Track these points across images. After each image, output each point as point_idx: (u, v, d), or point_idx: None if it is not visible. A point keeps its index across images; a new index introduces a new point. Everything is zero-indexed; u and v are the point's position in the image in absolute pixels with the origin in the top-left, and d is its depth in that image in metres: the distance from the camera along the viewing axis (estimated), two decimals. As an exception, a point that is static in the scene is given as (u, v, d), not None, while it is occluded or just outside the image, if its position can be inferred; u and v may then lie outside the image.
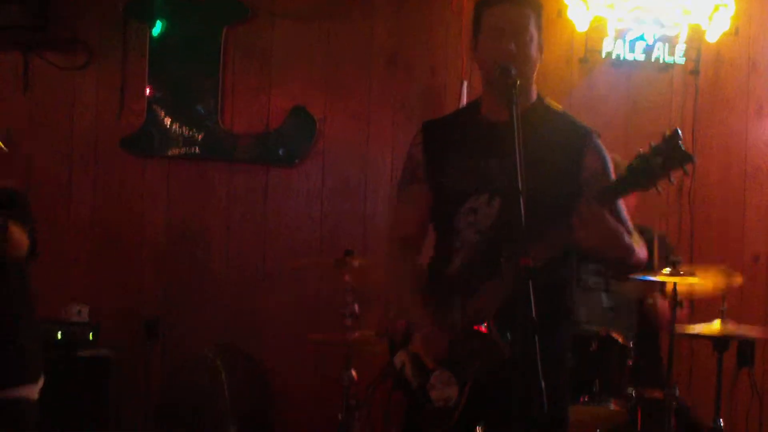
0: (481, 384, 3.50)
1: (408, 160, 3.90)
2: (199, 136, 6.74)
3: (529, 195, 3.23)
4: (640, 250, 3.72)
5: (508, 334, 3.42)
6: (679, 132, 3.20)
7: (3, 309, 4.12)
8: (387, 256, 4.06)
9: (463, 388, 3.51)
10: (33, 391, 4.20)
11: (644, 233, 5.05)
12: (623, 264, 3.77)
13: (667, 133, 3.23)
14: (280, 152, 6.75)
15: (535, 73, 3.66)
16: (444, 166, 3.75)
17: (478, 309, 3.51)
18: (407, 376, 3.66)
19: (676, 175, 3.24)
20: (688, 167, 3.23)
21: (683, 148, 3.20)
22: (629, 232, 3.66)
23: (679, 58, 6.46)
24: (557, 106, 3.78)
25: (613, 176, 3.65)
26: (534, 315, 3.05)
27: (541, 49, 3.66)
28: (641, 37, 6.44)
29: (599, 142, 3.72)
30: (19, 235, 4.03)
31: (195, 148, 6.74)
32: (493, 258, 3.49)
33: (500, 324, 3.44)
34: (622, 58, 6.49)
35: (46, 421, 4.37)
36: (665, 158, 3.20)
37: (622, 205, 3.66)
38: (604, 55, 6.49)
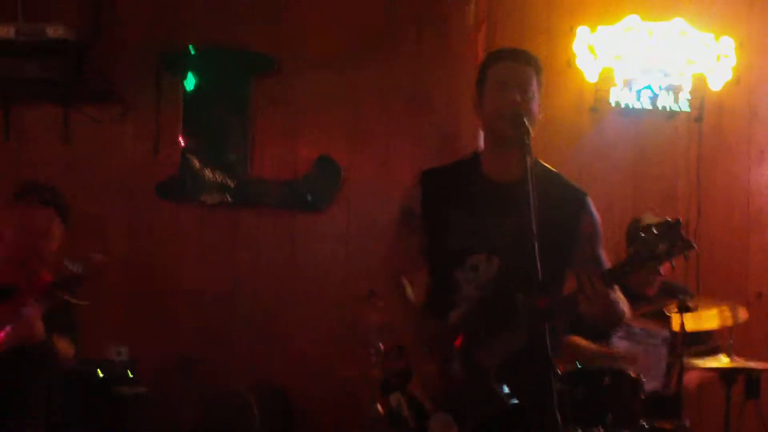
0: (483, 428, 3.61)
1: (404, 209, 4.01)
2: (230, 183, 6.94)
3: (525, 255, 3.39)
4: (626, 308, 3.82)
5: (506, 387, 3.55)
6: (681, 221, 3.35)
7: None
8: (387, 290, 4.13)
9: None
10: None
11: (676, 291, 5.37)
12: (611, 323, 4.03)
13: (670, 220, 3.38)
14: (309, 198, 6.95)
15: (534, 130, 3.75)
16: (444, 222, 3.82)
17: (480, 360, 3.61)
18: (404, 417, 3.77)
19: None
20: (689, 253, 3.38)
21: (684, 237, 3.34)
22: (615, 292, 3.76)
23: (683, 107, 6.65)
24: (552, 168, 3.89)
25: (601, 236, 3.85)
26: (550, 357, 3.28)
27: (539, 107, 3.76)
28: (648, 87, 6.62)
29: (592, 204, 3.88)
30: (63, 348, 4.37)
31: (226, 195, 6.95)
32: (494, 314, 3.63)
33: (500, 376, 3.57)
34: (629, 106, 6.66)
35: None
36: (669, 246, 3.34)
37: (604, 257, 3.85)
38: (612, 104, 6.66)
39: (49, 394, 4.54)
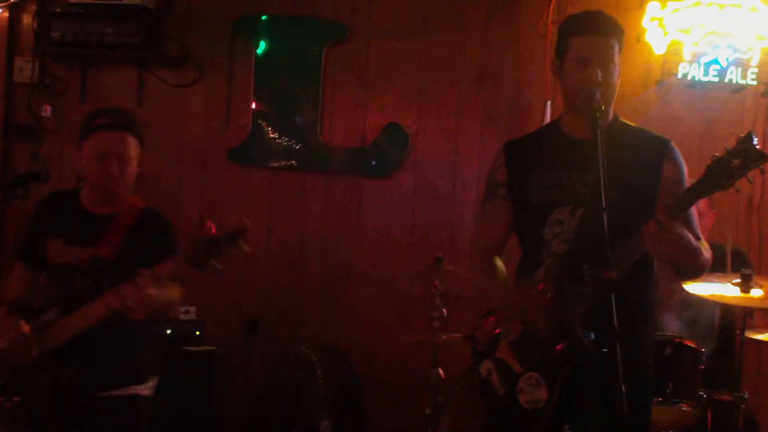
0: (569, 386, 3.64)
1: (490, 179, 4.09)
2: (300, 148, 7.04)
3: (612, 207, 3.41)
4: (707, 254, 3.81)
5: (593, 335, 3.53)
6: (753, 134, 3.31)
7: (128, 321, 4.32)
8: (472, 267, 4.27)
9: (553, 389, 3.65)
10: (145, 389, 4.48)
11: (716, 250, 5.35)
12: (691, 268, 3.89)
13: (741, 135, 3.34)
14: (374, 164, 7.02)
15: (614, 97, 3.84)
16: (527, 182, 3.90)
17: (565, 314, 3.65)
18: (493, 384, 3.82)
19: (745, 189, 3.43)
20: (765, 167, 3.31)
21: (758, 148, 3.28)
22: (698, 238, 3.79)
23: (751, 81, 6.61)
24: (632, 123, 3.96)
25: (687, 184, 3.76)
26: (616, 325, 3.24)
27: (619, 74, 3.83)
28: (715, 61, 6.58)
29: (677, 151, 3.89)
30: (173, 297, 4.37)
31: (295, 160, 7.05)
32: (576, 266, 3.64)
33: (586, 327, 3.58)
34: (696, 80, 6.64)
35: (156, 408, 4.75)
36: (743, 159, 3.28)
37: (694, 211, 3.80)
38: (680, 77, 6.66)
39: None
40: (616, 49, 3.81)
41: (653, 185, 3.79)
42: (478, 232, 4.26)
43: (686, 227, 3.67)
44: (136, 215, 4.45)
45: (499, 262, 4.15)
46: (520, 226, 4.02)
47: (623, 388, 3.23)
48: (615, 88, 3.82)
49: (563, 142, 3.91)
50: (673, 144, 3.90)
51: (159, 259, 4.15)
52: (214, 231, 4.01)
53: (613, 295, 3.30)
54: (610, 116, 3.90)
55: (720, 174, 3.34)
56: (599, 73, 3.73)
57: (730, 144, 3.27)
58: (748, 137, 3.31)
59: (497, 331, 3.88)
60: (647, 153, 3.84)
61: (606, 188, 3.41)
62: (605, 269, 3.34)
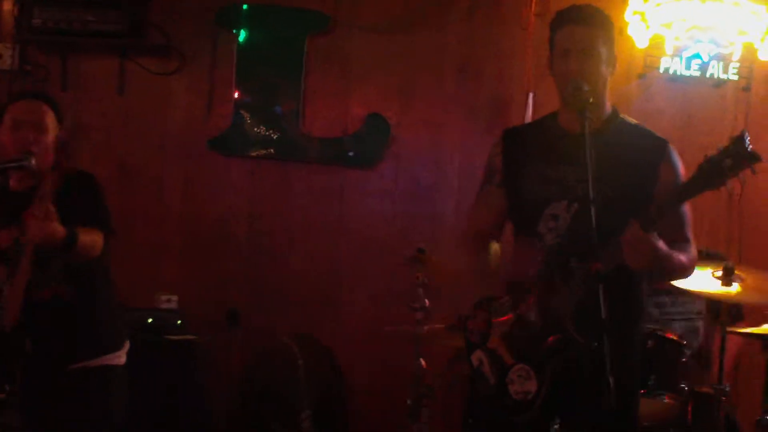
0: (559, 379, 3.61)
1: (487, 166, 4.05)
2: (282, 139, 7.04)
3: (605, 203, 3.43)
4: (688, 259, 3.76)
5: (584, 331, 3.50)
6: (746, 134, 3.23)
7: (98, 290, 4.43)
8: (463, 248, 4.22)
9: (543, 381, 3.62)
10: (119, 357, 4.50)
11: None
12: (665, 277, 3.99)
13: (735, 135, 3.26)
14: (355, 154, 7.04)
15: (607, 88, 3.83)
16: (523, 173, 3.87)
17: (557, 307, 3.62)
18: (485, 374, 3.81)
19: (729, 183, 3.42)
20: (756, 167, 3.22)
21: (750, 149, 3.20)
22: (685, 240, 3.78)
23: (732, 75, 6.68)
24: (631, 119, 3.93)
25: None
26: (604, 316, 3.26)
27: (612, 64, 3.83)
28: (697, 55, 6.64)
29: (676, 153, 3.84)
30: (90, 241, 4.28)
31: (277, 150, 7.06)
32: (567, 261, 3.64)
33: (577, 322, 3.55)
34: (678, 74, 6.70)
35: (137, 396, 4.75)
36: (735, 159, 3.20)
37: (687, 212, 3.80)
38: (661, 71, 6.71)
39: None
40: (601, 39, 3.80)
41: (649, 185, 3.75)
42: (473, 217, 4.22)
43: (676, 228, 3.71)
44: (58, 181, 4.38)
45: (494, 246, 4.12)
46: (513, 216, 4.01)
47: (611, 381, 3.24)
48: (602, 78, 3.80)
49: (560, 136, 3.88)
50: (671, 146, 3.87)
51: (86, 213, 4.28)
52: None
53: (601, 287, 3.31)
54: (608, 110, 3.89)
55: (712, 173, 3.27)
56: (576, 65, 3.71)
57: (714, 139, 3.25)
58: (741, 137, 3.25)
59: (490, 321, 3.86)
60: (645, 152, 3.81)
61: (594, 180, 3.41)
62: (593, 261, 3.36)
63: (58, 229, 4.11)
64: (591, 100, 3.62)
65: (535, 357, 3.67)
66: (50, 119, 4.45)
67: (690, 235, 3.84)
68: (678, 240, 3.74)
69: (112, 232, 4.44)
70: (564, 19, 3.83)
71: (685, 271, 3.84)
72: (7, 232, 4.37)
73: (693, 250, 3.83)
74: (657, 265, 3.56)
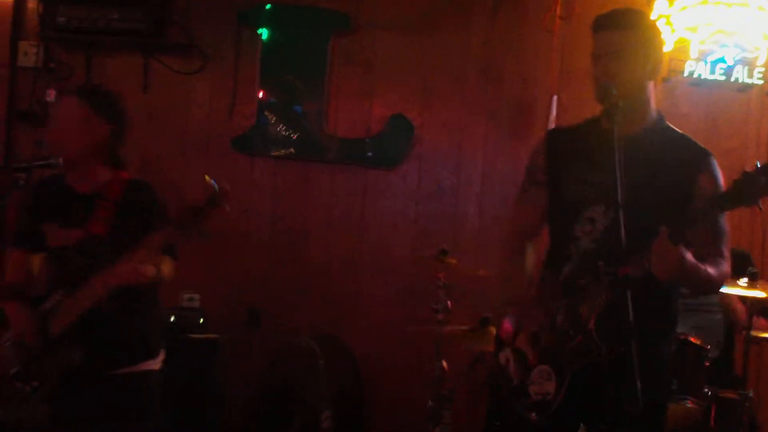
0: (579, 381, 3.63)
1: (530, 164, 4.04)
2: (304, 139, 7.05)
3: (641, 209, 3.42)
4: (719, 274, 3.71)
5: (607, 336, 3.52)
6: None
7: (142, 300, 4.42)
8: (503, 251, 4.18)
9: (562, 383, 3.66)
10: (156, 364, 4.53)
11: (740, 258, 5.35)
12: (694, 290, 3.92)
13: None
14: (378, 155, 7.04)
15: (647, 91, 3.77)
16: (564, 174, 3.87)
17: (582, 310, 3.62)
18: (510, 373, 3.83)
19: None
20: None
21: None
22: (719, 255, 3.74)
23: (757, 80, 6.69)
24: (677, 129, 3.87)
25: None
26: (631, 321, 3.23)
27: (653, 64, 3.76)
28: (722, 59, 6.64)
29: (717, 165, 3.78)
30: (168, 273, 4.37)
31: (300, 150, 7.06)
32: (596, 265, 3.62)
33: (600, 326, 3.56)
34: (703, 78, 6.70)
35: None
36: None
37: (724, 226, 3.76)
38: (686, 75, 6.71)
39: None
40: (634, 40, 3.75)
41: (687, 194, 3.70)
42: (514, 218, 4.22)
43: (712, 241, 3.70)
44: (122, 188, 4.44)
45: (530, 248, 4.12)
46: (551, 217, 4.00)
47: (639, 386, 3.21)
48: (637, 80, 3.75)
49: (601, 139, 3.79)
50: (713, 158, 3.82)
51: (149, 229, 4.18)
52: (212, 186, 4.03)
53: (629, 293, 3.29)
54: (653, 115, 3.85)
55: (746, 190, 3.27)
56: (606, 68, 3.70)
57: (738, 144, 3.21)
58: None
59: (519, 322, 3.89)
60: (686, 161, 3.76)
61: (630, 186, 3.40)
62: (620, 266, 3.35)
63: (150, 273, 4.16)
64: (620, 103, 3.58)
65: (558, 359, 3.70)
66: (76, 113, 4.39)
67: (725, 250, 3.80)
68: (712, 254, 3.71)
69: (177, 257, 4.48)
70: (598, 24, 3.82)
71: (713, 286, 3.80)
72: (65, 233, 4.39)
73: (725, 266, 3.78)
74: (683, 276, 3.52)
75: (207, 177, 4.07)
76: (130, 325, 4.41)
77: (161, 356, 4.59)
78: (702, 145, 3.86)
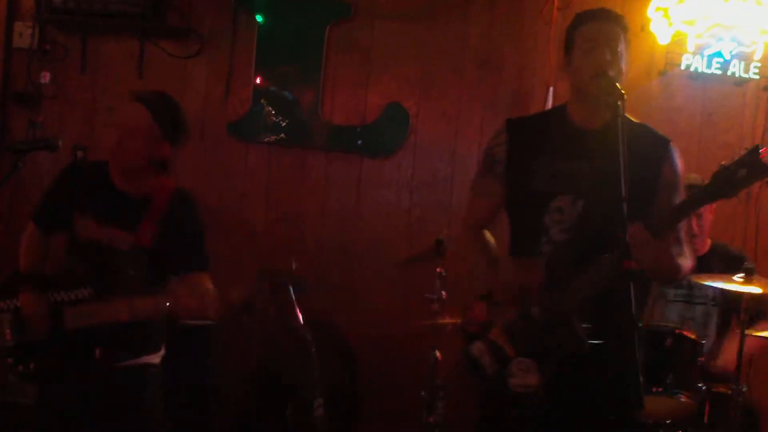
0: (561, 373, 3.65)
1: (487, 156, 4.09)
2: (299, 126, 7.04)
3: (611, 200, 3.42)
4: (686, 262, 3.88)
5: (588, 325, 3.57)
6: (761, 146, 3.31)
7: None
8: (463, 240, 4.28)
9: (545, 375, 3.66)
10: (156, 358, 4.54)
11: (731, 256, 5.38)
12: (661, 278, 4.14)
13: (749, 147, 3.34)
14: (373, 144, 7.04)
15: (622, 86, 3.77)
16: (528, 166, 3.89)
17: (563, 302, 3.66)
18: (483, 364, 3.82)
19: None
20: None
21: (765, 162, 3.29)
22: (680, 243, 3.85)
23: (753, 74, 6.65)
24: (634, 119, 3.90)
25: (681, 186, 3.85)
26: (634, 314, 3.30)
27: (626, 65, 3.84)
28: (719, 53, 6.62)
29: (677, 153, 3.90)
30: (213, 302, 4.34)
31: (295, 137, 7.05)
32: (577, 256, 3.67)
33: (582, 317, 3.61)
34: (699, 72, 6.68)
35: None
36: (749, 170, 3.30)
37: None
38: (683, 69, 6.70)
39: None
40: (622, 38, 3.83)
41: (651, 183, 3.81)
42: (470, 208, 4.27)
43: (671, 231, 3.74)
44: (168, 198, 4.46)
45: (489, 236, 4.18)
46: (515, 207, 4.03)
47: (642, 380, 3.29)
48: (624, 76, 3.82)
49: (568, 131, 3.90)
50: (673, 145, 3.92)
51: (190, 243, 4.32)
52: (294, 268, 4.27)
53: (632, 286, 3.33)
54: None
55: (725, 182, 3.36)
56: (608, 56, 3.75)
57: (733, 138, 3.27)
58: (756, 149, 3.32)
59: (489, 316, 3.90)
60: (648, 150, 3.84)
61: (626, 178, 3.42)
62: (625, 259, 3.37)
63: (195, 305, 4.20)
64: (624, 94, 3.60)
65: (538, 351, 3.70)
66: (144, 127, 4.33)
67: (683, 237, 3.90)
68: (672, 242, 3.81)
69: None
70: (589, 16, 3.90)
71: (678, 274, 3.94)
72: (101, 230, 4.36)
73: (687, 255, 3.91)
74: (657, 266, 3.62)
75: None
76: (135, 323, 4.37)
77: (162, 351, 4.59)
78: (660, 133, 3.95)
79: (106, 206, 4.38)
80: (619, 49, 3.79)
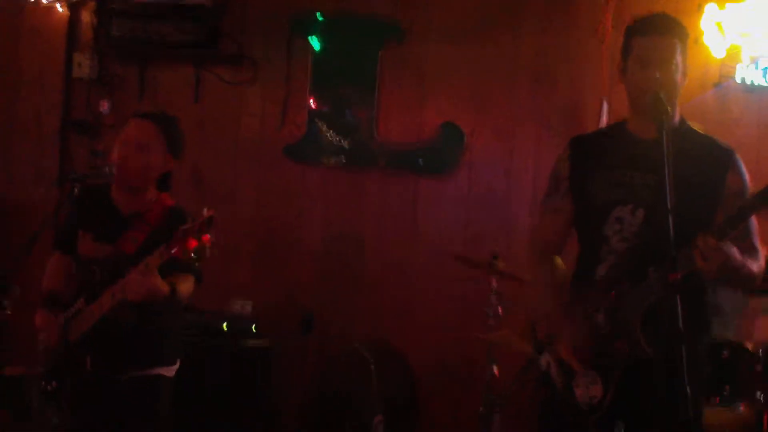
0: (624, 384, 3.65)
1: (552, 175, 4.09)
2: (355, 147, 7.09)
3: (673, 210, 3.39)
4: (760, 273, 3.78)
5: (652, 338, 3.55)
6: None
7: (160, 313, 4.46)
8: (529, 260, 4.23)
9: (608, 387, 3.66)
10: (170, 371, 4.59)
11: None
12: (737, 284, 4.00)
13: None
14: (429, 163, 7.06)
15: (678, 97, 3.82)
16: (590, 178, 3.91)
17: (625, 312, 3.65)
18: (552, 376, 3.84)
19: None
20: None
21: None
22: (754, 249, 3.78)
23: (808, 86, 6.57)
24: (699, 127, 3.94)
25: (749, 194, 3.75)
26: (680, 327, 3.24)
27: (684, 74, 3.85)
28: (774, 65, 6.57)
29: (742, 162, 3.85)
30: (186, 290, 4.40)
31: (350, 158, 7.11)
32: (639, 265, 3.65)
33: (645, 327, 3.60)
34: (755, 84, 6.60)
35: (211, 400, 4.76)
36: None
37: (754, 222, 3.77)
38: (738, 81, 6.61)
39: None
40: (678, 49, 3.82)
41: (715, 193, 3.77)
42: (538, 228, 4.23)
43: (743, 236, 3.68)
44: (162, 214, 4.52)
45: (558, 260, 4.16)
46: (580, 221, 4.03)
47: (688, 391, 3.23)
48: (677, 88, 3.82)
49: (628, 142, 3.91)
50: (737, 155, 3.89)
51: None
52: (212, 215, 4.10)
53: (678, 298, 3.29)
54: (677, 118, 3.89)
55: None
56: (657, 74, 3.73)
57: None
58: None
59: (557, 329, 3.89)
60: (712, 160, 3.82)
61: (672, 190, 3.40)
62: (671, 271, 3.34)
63: (160, 288, 4.22)
64: (669, 110, 3.61)
65: (602, 363, 3.71)
66: (155, 141, 4.50)
67: (757, 243, 3.83)
68: (746, 248, 3.72)
69: (202, 280, 4.54)
70: (645, 27, 3.86)
71: (754, 281, 3.81)
72: (96, 246, 4.50)
73: (762, 259, 3.82)
74: (728, 274, 3.57)
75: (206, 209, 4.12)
76: (143, 334, 4.47)
77: (176, 365, 4.66)
78: (725, 143, 3.91)
79: (102, 224, 4.53)
80: (673, 63, 3.78)
